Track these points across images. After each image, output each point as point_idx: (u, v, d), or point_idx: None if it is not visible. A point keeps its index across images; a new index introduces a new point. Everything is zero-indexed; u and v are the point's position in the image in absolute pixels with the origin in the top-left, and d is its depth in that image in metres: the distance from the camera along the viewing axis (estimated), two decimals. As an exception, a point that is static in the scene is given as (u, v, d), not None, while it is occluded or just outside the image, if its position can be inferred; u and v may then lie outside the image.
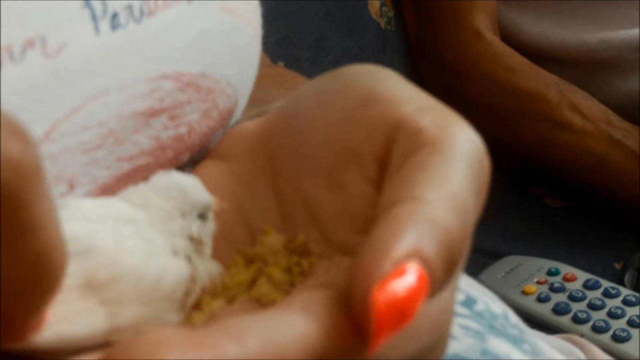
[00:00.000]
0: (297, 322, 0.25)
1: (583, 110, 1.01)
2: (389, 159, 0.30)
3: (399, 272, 0.25)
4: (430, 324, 0.28)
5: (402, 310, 0.24)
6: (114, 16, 0.34)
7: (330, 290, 0.26)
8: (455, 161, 0.28)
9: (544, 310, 0.88)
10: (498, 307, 0.49)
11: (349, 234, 0.31)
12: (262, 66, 0.52)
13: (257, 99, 0.44)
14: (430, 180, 0.27)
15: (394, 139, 0.30)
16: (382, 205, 0.28)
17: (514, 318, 0.49)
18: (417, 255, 0.25)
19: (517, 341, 0.46)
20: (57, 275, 0.24)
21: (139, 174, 0.36)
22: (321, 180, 0.32)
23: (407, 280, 0.25)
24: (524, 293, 0.90)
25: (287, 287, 0.31)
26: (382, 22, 1.08)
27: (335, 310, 0.25)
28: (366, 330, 0.25)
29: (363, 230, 0.29)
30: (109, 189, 0.35)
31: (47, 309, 0.25)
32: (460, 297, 0.47)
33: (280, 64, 0.94)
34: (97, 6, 0.33)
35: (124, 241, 0.30)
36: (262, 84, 0.46)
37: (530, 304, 0.89)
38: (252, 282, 0.32)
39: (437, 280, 0.26)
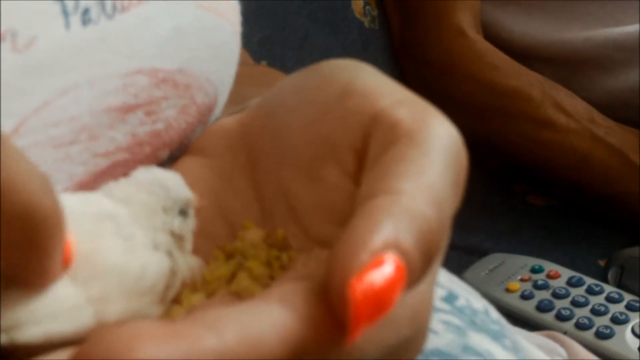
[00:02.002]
0: (274, 313, 0.25)
1: (566, 109, 1.01)
2: (367, 152, 0.30)
3: (377, 262, 0.25)
4: (409, 315, 0.28)
5: (379, 300, 0.24)
6: (85, 12, 0.34)
7: (308, 282, 0.26)
8: (433, 153, 0.28)
9: (528, 308, 0.88)
10: (479, 303, 0.49)
11: (328, 227, 0.31)
12: (243, 65, 0.52)
13: (238, 96, 0.44)
14: (407, 172, 0.27)
15: (372, 132, 0.30)
16: (359, 197, 0.28)
17: (495, 314, 0.49)
18: (394, 246, 0.25)
19: (498, 337, 0.46)
20: (49, 225, 0.24)
21: (116, 170, 0.35)
22: (300, 174, 0.33)
23: (385, 270, 0.25)
24: (508, 290, 0.90)
25: (267, 281, 0.31)
26: (366, 21, 1.08)
27: (313, 301, 0.25)
28: (344, 321, 0.24)
29: (342, 224, 0.29)
30: (86, 186, 0.35)
31: (60, 252, 0.25)
32: (441, 292, 0.47)
33: (264, 63, 0.94)
34: (69, 1, 0.33)
35: (101, 240, 0.29)
36: (243, 82, 0.46)
37: (514, 301, 0.89)
38: (232, 277, 0.32)
39: (415, 271, 0.26)
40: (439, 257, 0.30)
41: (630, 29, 1.04)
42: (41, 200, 0.24)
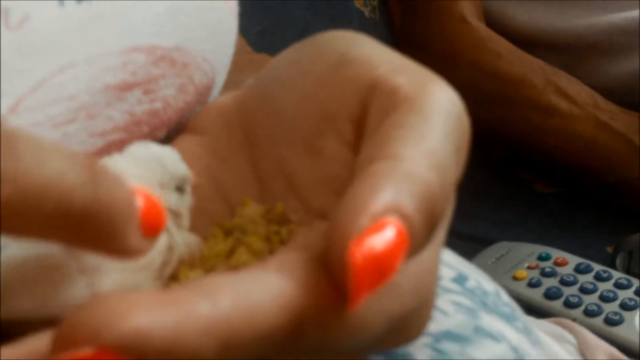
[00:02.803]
0: (272, 280, 0.24)
1: (570, 95, 1.01)
2: (366, 120, 0.30)
3: (377, 227, 0.24)
4: (413, 284, 0.27)
5: (381, 266, 0.23)
6: None
7: (308, 251, 0.25)
8: (433, 119, 0.27)
9: (536, 296, 0.87)
10: (489, 285, 0.48)
11: (328, 199, 0.30)
12: (242, 53, 0.51)
13: (237, 82, 0.43)
14: (407, 138, 0.27)
15: (370, 100, 0.30)
16: (358, 164, 0.27)
17: (506, 296, 0.49)
18: (395, 210, 0.24)
19: (510, 318, 0.45)
20: (103, 213, 0.24)
21: (113, 150, 0.35)
22: (298, 148, 0.32)
23: (386, 235, 0.24)
24: (515, 279, 0.89)
25: (266, 256, 0.30)
26: (366, 11, 1.08)
27: (313, 269, 0.24)
28: (344, 288, 0.24)
29: (342, 195, 0.28)
30: None
31: (133, 228, 0.25)
32: (451, 274, 0.46)
33: (264, 54, 0.94)
34: None
35: None
36: (242, 68, 0.45)
37: (522, 289, 0.88)
38: (231, 253, 0.31)
39: (417, 236, 0.25)
40: (443, 225, 0.29)
41: (634, 14, 1.04)
42: (82, 195, 0.23)
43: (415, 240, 0.25)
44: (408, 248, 0.24)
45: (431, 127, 0.27)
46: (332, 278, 0.24)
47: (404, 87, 0.29)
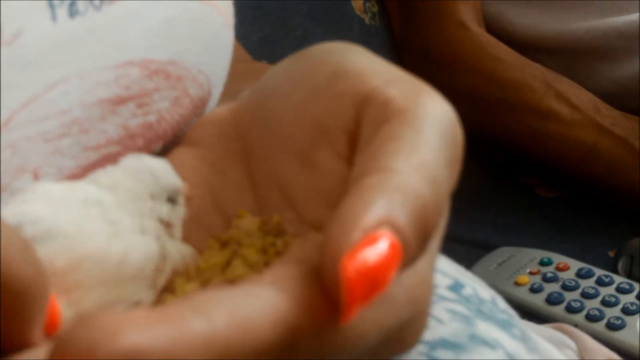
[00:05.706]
0: (266, 295, 0.24)
1: (570, 100, 1.01)
2: (359, 133, 0.30)
3: (370, 240, 0.24)
4: (407, 295, 0.28)
5: (373, 279, 0.24)
6: (72, 3, 0.33)
7: (302, 264, 0.26)
8: (426, 131, 0.28)
9: (538, 301, 0.87)
10: (486, 292, 0.48)
11: (323, 211, 0.31)
12: (241, 61, 0.51)
13: (235, 92, 0.44)
14: (400, 150, 0.27)
15: (363, 113, 0.30)
16: (352, 178, 0.27)
17: (502, 303, 0.49)
18: (388, 223, 0.24)
19: (506, 326, 0.45)
20: (29, 294, 0.23)
21: (107, 163, 0.35)
22: (293, 160, 0.32)
23: (379, 248, 0.24)
24: (517, 284, 0.89)
25: (262, 268, 0.30)
26: (366, 18, 1.08)
27: (307, 283, 0.25)
28: (338, 301, 0.24)
29: (336, 207, 0.28)
30: (77, 179, 0.34)
31: (40, 320, 0.24)
32: (447, 281, 0.46)
33: (264, 62, 0.94)
34: None
35: (86, 224, 0.29)
36: (240, 78, 0.45)
37: (524, 294, 0.88)
38: (227, 265, 0.31)
39: (411, 249, 0.25)
40: (437, 237, 0.29)
41: (633, 17, 1.03)
42: (20, 268, 0.23)
43: (409, 253, 0.25)
44: (401, 260, 0.24)
45: (423, 139, 0.27)
46: (325, 291, 0.24)
47: (396, 99, 0.29)
